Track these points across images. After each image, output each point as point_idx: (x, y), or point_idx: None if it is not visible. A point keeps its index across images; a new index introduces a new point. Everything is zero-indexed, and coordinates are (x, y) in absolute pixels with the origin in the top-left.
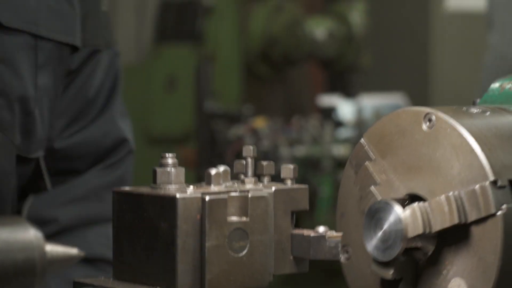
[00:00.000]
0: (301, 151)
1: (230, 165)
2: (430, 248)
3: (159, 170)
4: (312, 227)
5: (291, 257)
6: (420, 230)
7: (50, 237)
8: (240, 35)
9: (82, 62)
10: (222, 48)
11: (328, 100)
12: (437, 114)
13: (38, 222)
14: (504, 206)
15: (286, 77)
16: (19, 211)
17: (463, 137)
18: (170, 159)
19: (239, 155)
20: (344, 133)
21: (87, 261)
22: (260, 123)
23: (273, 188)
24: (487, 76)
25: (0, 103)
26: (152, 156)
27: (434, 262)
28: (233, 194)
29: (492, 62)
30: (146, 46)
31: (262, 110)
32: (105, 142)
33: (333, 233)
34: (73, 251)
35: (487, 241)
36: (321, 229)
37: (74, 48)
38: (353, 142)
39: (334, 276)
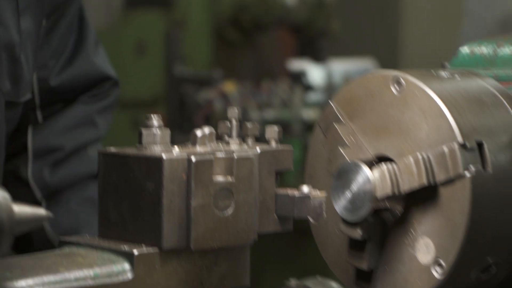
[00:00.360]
0: (270, 114)
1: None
2: (399, 209)
3: (144, 131)
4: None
5: (276, 216)
6: (388, 191)
7: (59, 163)
8: (211, 1)
9: (67, 1)
10: (192, 13)
11: (298, 64)
12: (406, 77)
13: (45, 151)
14: (472, 168)
15: (256, 42)
16: (21, 145)
17: (432, 99)
18: (155, 120)
19: (208, 119)
20: (313, 97)
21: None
22: (229, 87)
23: (258, 149)
24: (465, 41)
25: None
26: (122, 119)
27: (402, 222)
28: (218, 155)
29: (470, 27)
30: (116, 11)
31: (232, 74)
32: (90, 74)
33: (317, 193)
34: (41, 211)
35: (455, 202)
36: (305, 188)
37: None
38: (323, 106)
39: (303, 235)
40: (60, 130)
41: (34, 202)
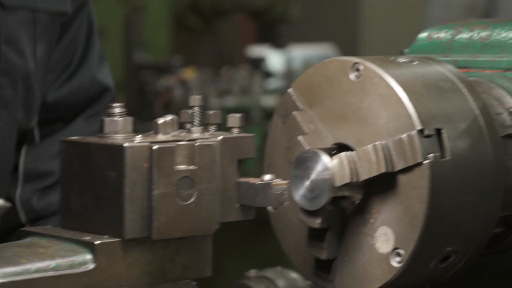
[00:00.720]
0: (230, 101)
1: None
2: (358, 197)
3: (106, 119)
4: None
5: (238, 205)
6: (347, 179)
7: (48, 188)
8: None
9: (72, 16)
10: None
11: (257, 51)
12: (365, 64)
13: (35, 175)
14: (430, 155)
15: (216, 28)
16: (15, 165)
17: (390, 86)
18: (117, 108)
19: (168, 106)
20: (273, 83)
21: None
22: (189, 74)
23: (220, 137)
24: (431, 25)
25: (4, 83)
26: None
27: (361, 211)
28: (180, 143)
29: (437, 10)
30: None
31: (192, 61)
32: (90, 90)
33: (278, 181)
34: None
35: (414, 189)
36: (267, 177)
37: (64, 15)
38: (282, 92)
39: (262, 225)
40: (54, 153)
41: (18, 224)
